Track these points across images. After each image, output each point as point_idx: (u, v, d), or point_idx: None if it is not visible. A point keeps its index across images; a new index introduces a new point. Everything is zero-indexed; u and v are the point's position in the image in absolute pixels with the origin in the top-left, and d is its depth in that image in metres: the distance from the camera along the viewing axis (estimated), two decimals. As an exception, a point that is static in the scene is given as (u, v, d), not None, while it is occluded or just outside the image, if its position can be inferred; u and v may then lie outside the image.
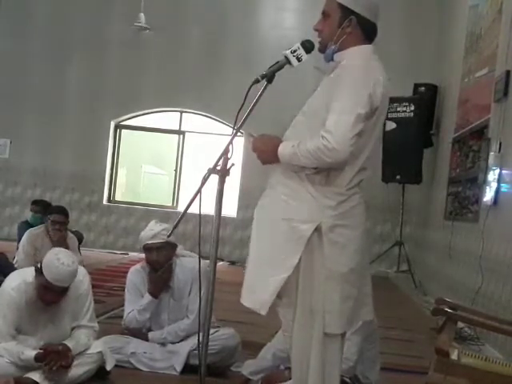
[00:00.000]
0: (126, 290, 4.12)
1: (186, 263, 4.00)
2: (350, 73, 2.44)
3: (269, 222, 2.52)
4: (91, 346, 3.55)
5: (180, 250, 4.13)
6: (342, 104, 2.39)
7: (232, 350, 3.92)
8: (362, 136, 2.45)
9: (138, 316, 3.98)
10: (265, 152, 2.53)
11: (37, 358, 3.30)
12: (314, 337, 2.47)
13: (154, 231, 3.93)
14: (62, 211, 5.99)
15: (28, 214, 7.38)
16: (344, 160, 2.41)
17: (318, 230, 2.44)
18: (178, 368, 3.87)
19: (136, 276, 4.09)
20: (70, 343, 3.42)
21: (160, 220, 4.13)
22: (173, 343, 3.98)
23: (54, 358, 3.31)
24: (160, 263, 3.95)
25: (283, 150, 2.47)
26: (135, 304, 4.00)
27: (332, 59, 2.57)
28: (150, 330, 4.05)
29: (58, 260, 3.28)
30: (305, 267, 2.46)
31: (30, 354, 3.31)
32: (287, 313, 2.50)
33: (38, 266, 3.37)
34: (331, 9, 2.55)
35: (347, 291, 2.49)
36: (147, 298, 3.96)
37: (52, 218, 5.87)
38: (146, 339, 3.99)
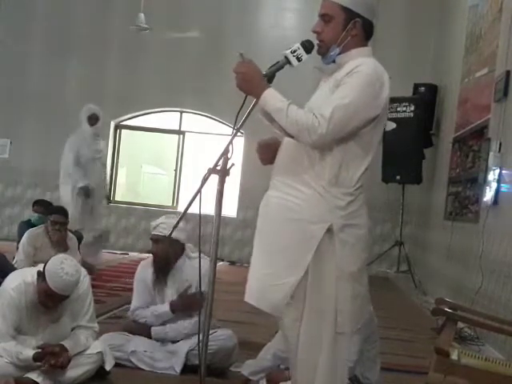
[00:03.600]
0: (134, 283, 4.18)
1: (195, 263, 3.99)
2: (359, 73, 2.42)
3: (277, 223, 2.51)
4: (91, 347, 3.55)
5: (190, 250, 4.13)
6: (346, 98, 2.38)
7: (229, 350, 3.93)
8: (365, 138, 2.46)
9: (150, 319, 4.02)
10: (247, 80, 2.46)
11: (35, 358, 3.30)
12: (325, 337, 2.46)
13: (154, 223, 4.01)
14: (62, 211, 5.99)
15: (28, 214, 7.40)
16: (320, 147, 2.42)
17: (329, 230, 2.44)
18: (178, 368, 3.88)
19: (144, 270, 4.13)
20: (67, 343, 3.42)
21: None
22: (173, 342, 3.99)
23: (51, 359, 3.31)
24: (158, 256, 4.01)
25: (270, 96, 2.43)
26: (143, 298, 4.06)
27: (333, 61, 2.56)
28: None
29: (62, 269, 3.29)
30: (314, 267, 2.45)
31: (29, 353, 3.31)
32: (293, 312, 2.50)
33: (41, 270, 3.36)
34: (334, 11, 2.52)
35: (357, 290, 2.50)
36: (165, 308, 3.99)
37: (52, 218, 5.87)
38: (149, 334, 4.00)
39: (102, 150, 8.03)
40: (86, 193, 7.66)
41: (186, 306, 3.97)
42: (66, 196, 7.68)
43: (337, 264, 2.44)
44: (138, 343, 3.96)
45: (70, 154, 7.65)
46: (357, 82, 2.42)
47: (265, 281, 2.51)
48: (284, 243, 2.48)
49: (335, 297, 2.45)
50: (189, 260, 4.05)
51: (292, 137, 2.45)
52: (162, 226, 3.94)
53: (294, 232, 2.47)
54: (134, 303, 4.12)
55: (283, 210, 2.50)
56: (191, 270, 3.98)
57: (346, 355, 2.56)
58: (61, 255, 3.51)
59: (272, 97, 2.43)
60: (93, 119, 7.80)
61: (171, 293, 4.03)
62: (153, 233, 4.00)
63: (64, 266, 3.31)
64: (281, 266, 2.47)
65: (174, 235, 3.84)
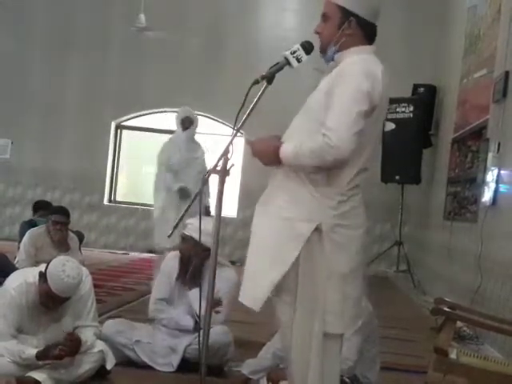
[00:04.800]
0: (159, 273, 4.24)
1: (222, 272, 3.94)
2: (349, 71, 2.45)
3: (268, 221, 2.52)
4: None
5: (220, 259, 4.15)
6: (341, 102, 2.40)
7: (224, 346, 3.94)
8: (362, 136, 2.46)
9: (169, 322, 4.06)
10: (266, 155, 2.53)
11: (38, 357, 3.32)
12: (314, 336, 2.47)
13: (186, 222, 4.03)
14: (64, 211, 6.00)
15: (29, 215, 7.41)
16: (346, 158, 2.41)
17: (318, 229, 2.45)
18: (175, 364, 3.93)
19: (171, 263, 4.18)
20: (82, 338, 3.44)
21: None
22: (175, 338, 4.01)
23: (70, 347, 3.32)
24: (182, 253, 4.09)
25: (285, 151, 2.46)
26: (164, 290, 4.10)
27: (333, 60, 2.59)
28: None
29: (63, 272, 3.30)
30: (305, 267, 2.46)
31: (31, 352, 3.32)
32: (287, 311, 2.51)
33: (43, 271, 3.37)
34: (331, 11, 2.55)
35: (348, 291, 2.50)
36: (189, 323, 4.02)
37: (53, 218, 5.88)
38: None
39: (199, 156, 7.02)
40: (183, 194, 6.64)
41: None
42: (157, 207, 6.87)
43: (326, 264, 2.45)
44: (143, 334, 4.02)
45: (163, 161, 6.92)
46: (348, 82, 2.42)
47: (249, 277, 2.53)
48: (272, 241, 2.49)
49: (324, 297, 2.46)
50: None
51: (322, 167, 2.43)
52: (190, 227, 4.00)
53: (282, 230, 2.47)
54: (157, 294, 4.15)
55: (275, 209, 2.52)
56: (217, 278, 3.99)
57: (337, 356, 2.56)
58: (62, 257, 3.51)
59: (286, 152, 2.46)
60: (186, 122, 7.00)
61: (192, 298, 4.02)
62: (182, 231, 4.06)
63: (66, 269, 3.32)
64: (266, 262, 2.48)
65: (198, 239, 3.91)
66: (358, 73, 2.44)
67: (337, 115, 2.38)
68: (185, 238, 4.05)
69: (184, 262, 4.08)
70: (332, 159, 2.39)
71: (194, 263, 4.04)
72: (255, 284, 2.50)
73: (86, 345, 3.48)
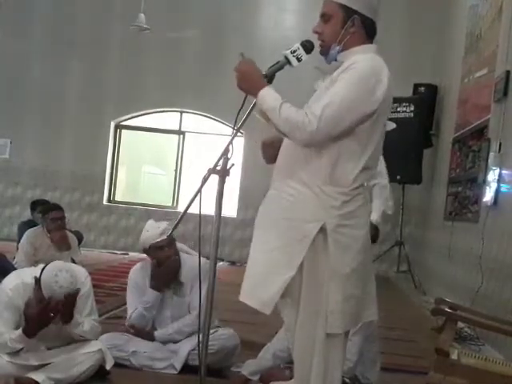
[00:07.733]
0: (127, 290, 4.10)
1: (187, 260, 4.00)
2: (353, 70, 2.42)
3: (272, 221, 2.51)
4: (91, 343, 3.53)
5: (181, 246, 4.11)
6: (338, 95, 2.36)
7: (231, 350, 3.91)
8: (362, 134, 2.44)
9: (145, 313, 3.96)
10: (246, 79, 2.47)
11: (25, 330, 3.26)
12: (317, 337, 2.46)
13: (160, 228, 3.94)
14: (58, 207, 6.04)
15: (28, 215, 7.41)
16: (312, 145, 2.40)
17: (322, 229, 2.44)
18: (178, 366, 3.87)
19: (138, 276, 4.08)
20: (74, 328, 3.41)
21: (160, 220, 4.14)
22: (175, 342, 3.97)
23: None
24: (171, 259, 3.96)
25: (266, 95, 2.42)
26: (138, 303, 3.99)
27: (335, 60, 2.56)
28: (153, 328, 4.04)
29: (56, 283, 3.25)
30: (309, 267, 2.45)
31: (19, 331, 3.27)
32: (290, 312, 2.50)
33: (37, 276, 3.32)
34: (332, 10, 2.52)
35: (349, 291, 2.48)
36: (151, 293, 3.94)
37: (51, 215, 5.86)
38: (152, 338, 3.97)
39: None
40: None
41: (162, 277, 3.93)
42: None
43: (329, 264, 2.44)
44: (139, 344, 3.93)
45: None
46: (350, 77, 2.39)
47: (256, 279, 2.51)
48: (277, 242, 2.47)
49: (326, 298, 2.45)
50: (179, 257, 4.03)
51: (286, 136, 2.44)
52: (169, 228, 3.91)
53: (287, 231, 2.46)
54: (131, 311, 4.02)
55: (279, 209, 2.50)
56: (184, 266, 3.97)
57: (339, 356, 2.54)
58: (56, 264, 3.40)
59: (268, 95, 2.42)
60: None
61: (171, 293, 4.00)
62: (162, 239, 3.90)
63: (58, 279, 3.26)
64: (273, 265, 2.46)
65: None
66: (363, 73, 2.41)
67: (330, 108, 2.34)
68: (170, 242, 3.91)
69: (176, 267, 3.97)
70: (300, 140, 2.38)
71: (173, 262, 3.96)
72: (264, 287, 2.48)
73: (80, 327, 3.43)
